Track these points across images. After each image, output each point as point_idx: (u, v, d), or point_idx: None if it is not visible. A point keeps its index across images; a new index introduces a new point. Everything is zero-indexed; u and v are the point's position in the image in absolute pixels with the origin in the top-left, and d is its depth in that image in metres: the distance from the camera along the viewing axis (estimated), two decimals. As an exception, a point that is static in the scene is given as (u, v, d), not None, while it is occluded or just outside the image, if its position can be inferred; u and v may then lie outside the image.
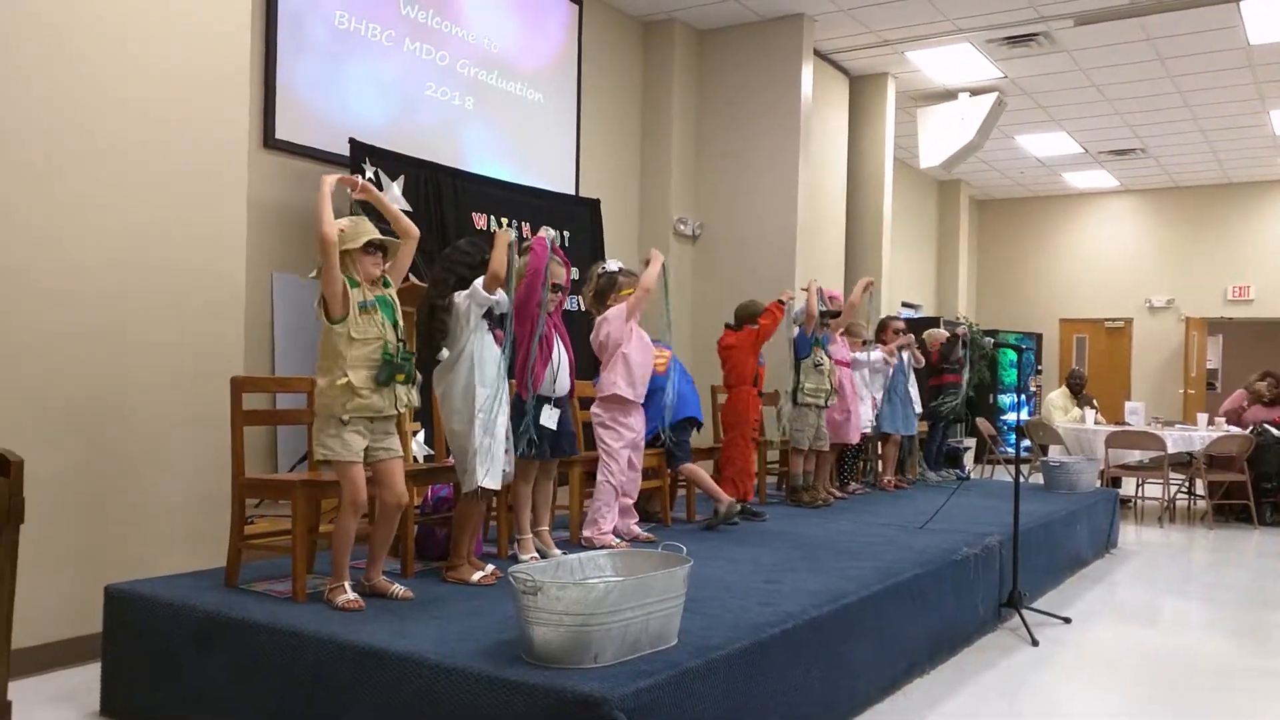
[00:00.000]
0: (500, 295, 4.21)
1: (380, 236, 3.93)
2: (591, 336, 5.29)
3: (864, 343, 7.80)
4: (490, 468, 4.21)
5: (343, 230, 3.83)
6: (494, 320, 4.28)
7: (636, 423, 5.30)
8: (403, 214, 4.13)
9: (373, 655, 3.21)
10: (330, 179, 3.90)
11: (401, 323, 3.95)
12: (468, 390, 4.18)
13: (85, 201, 4.56)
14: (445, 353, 4.21)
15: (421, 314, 4.21)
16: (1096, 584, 6.86)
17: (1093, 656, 5.04)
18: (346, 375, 3.74)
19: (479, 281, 4.17)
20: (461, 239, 4.40)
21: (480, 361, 4.21)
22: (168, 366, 4.83)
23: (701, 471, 6.02)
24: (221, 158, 5.08)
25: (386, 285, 3.96)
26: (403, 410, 3.90)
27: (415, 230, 4.11)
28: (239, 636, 3.55)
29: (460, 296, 4.16)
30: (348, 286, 3.79)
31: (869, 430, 7.78)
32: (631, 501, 5.40)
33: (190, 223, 4.94)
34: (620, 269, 5.34)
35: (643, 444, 5.36)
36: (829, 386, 6.93)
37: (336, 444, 3.76)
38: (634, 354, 5.21)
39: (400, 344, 3.89)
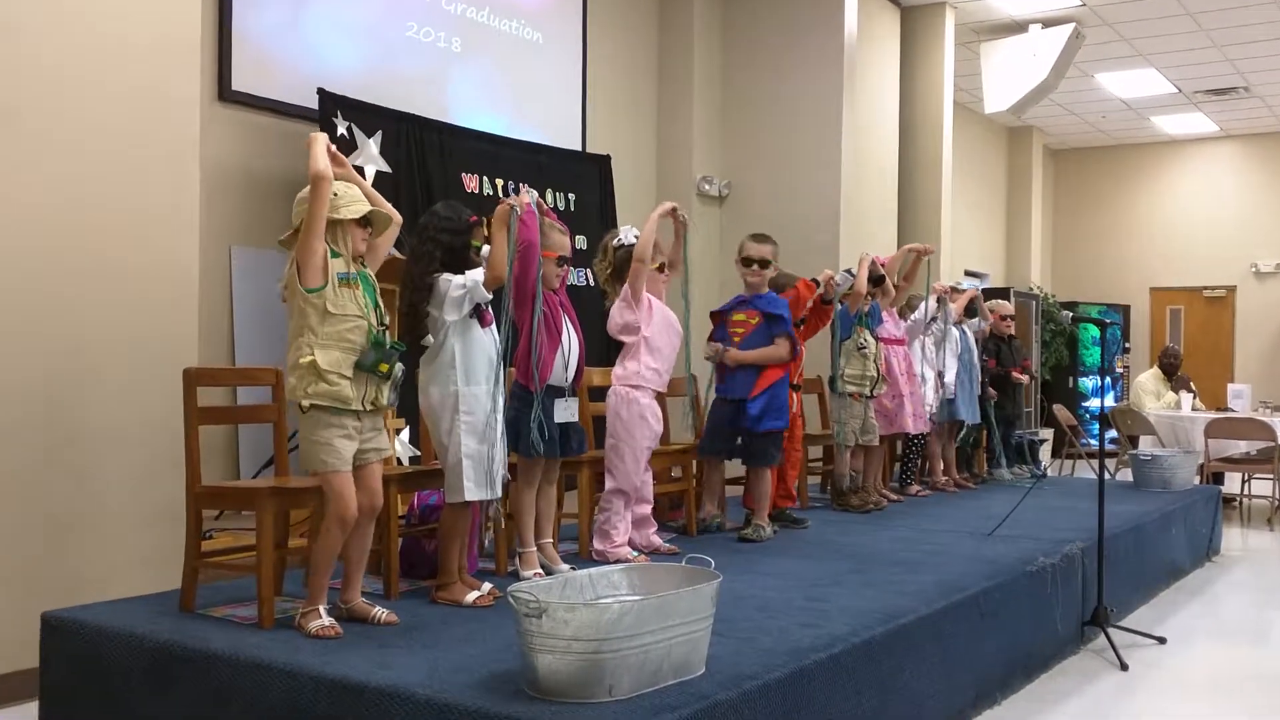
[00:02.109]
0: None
1: (375, 208, 3.93)
2: (609, 324, 5.27)
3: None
4: (483, 477, 4.21)
5: (336, 194, 3.82)
6: (480, 305, 4.27)
7: (660, 417, 5.29)
8: (383, 198, 4.11)
9: (351, 690, 3.20)
10: (324, 135, 3.90)
11: (383, 305, 3.94)
12: (448, 391, 4.17)
13: (6, 170, 4.55)
14: (430, 339, 4.20)
15: (401, 292, 4.20)
16: (1195, 597, 6.82)
17: (1191, 681, 5.01)
18: (313, 353, 3.73)
19: (479, 277, 4.15)
20: (438, 203, 4.39)
21: (465, 355, 4.19)
22: (109, 359, 4.83)
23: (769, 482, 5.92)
24: (169, 114, 5.06)
25: (362, 264, 3.95)
26: (369, 408, 3.87)
27: (398, 215, 4.10)
28: (197, 669, 3.55)
29: (451, 285, 4.13)
30: (328, 255, 3.78)
31: (933, 414, 7.70)
32: (649, 509, 5.39)
33: (134, 190, 4.94)
34: (639, 237, 5.30)
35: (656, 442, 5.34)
36: (875, 373, 6.86)
37: (327, 454, 3.76)
38: (656, 336, 5.18)
39: (383, 329, 3.88)
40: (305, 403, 3.74)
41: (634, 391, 5.17)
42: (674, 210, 5.29)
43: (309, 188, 3.78)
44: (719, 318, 5.89)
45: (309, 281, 3.74)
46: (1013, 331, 9.07)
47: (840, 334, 6.77)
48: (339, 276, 3.79)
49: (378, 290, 3.95)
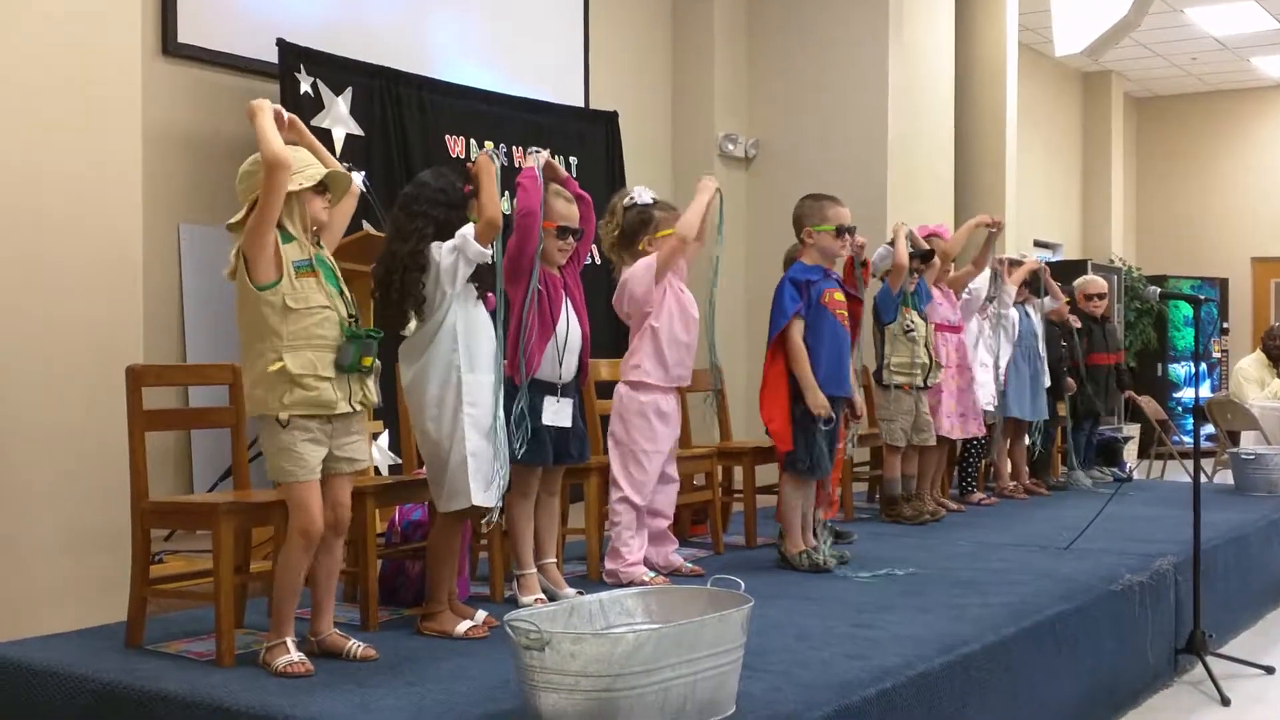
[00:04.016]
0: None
1: (332, 170, 3.91)
2: (615, 298, 5.26)
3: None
4: (491, 481, 4.23)
5: None
6: (485, 281, 4.28)
7: (676, 415, 5.28)
8: (339, 163, 4.10)
9: (325, 736, 3.21)
10: (267, 101, 3.89)
11: (347, 290, 3.94)
12: (449, 378, 4.18)
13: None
14: (413, 325, 4.21)
15: (383, 274, 4.19)
16: (1309, 619, 6.81)
17: (1305, 718, 5.00)
18: (282, 358, 3.74)
19: (469, 230, 4.16)
20: (425, 171, 4.39)
21: (467, 338, 4.21)
22: (39, 356, 4.84)
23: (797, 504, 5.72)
24: (104, 71, 5.07)
25: (319, 245, 3.95)
26: (358, 408, 3.89)
27: (356, 185, 4.11)
28: (147, 714, 3.56)
29: (443, 251, 4.14)
30: (278, 241, 3.78)
31: (990, 410, 7.69)
32: (668, 523, 5.40)
33: (64, 161, 4.95)
34: (655, 200, 5.28)
35: (675, 445, 5.33)
36: (926, 359, 6.85)
37: (289, 460, 3.76)
38: (667, 327, 5.17)
39: (354, 318, 3.88)
40: (284, 415, 3.73)
41: (641, 387, 5.16)
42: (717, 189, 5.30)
43: (257, 164, 3.75)
44: (804, 289, 5.55)
45: (260, 277, 3.74)
46: (1103, 312, 9.04)
47: (884, 316, 6.76)
48: (295, 265, 3.78)
49: (337, 271, 3.94)
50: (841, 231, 5.56)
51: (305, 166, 3.85)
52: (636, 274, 5.15)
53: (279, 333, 3.75)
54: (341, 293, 3.90)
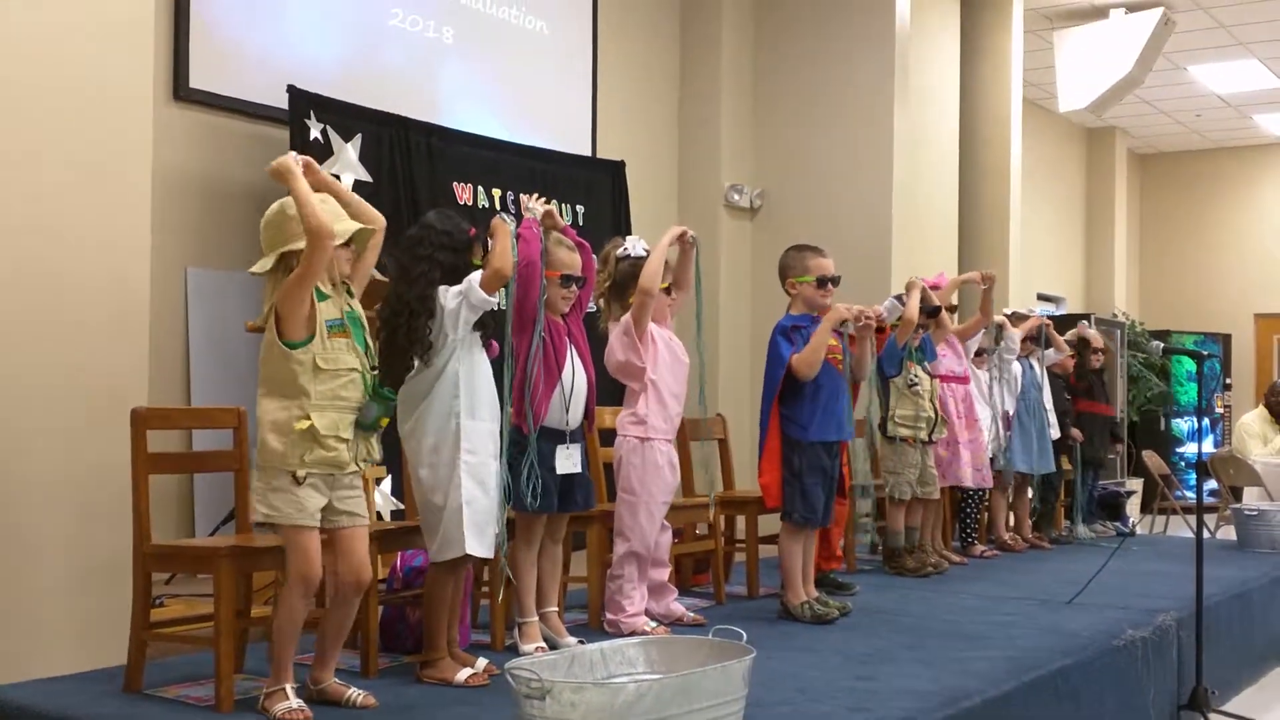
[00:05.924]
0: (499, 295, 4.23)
1: (361, 226, 3.92)
2: (606, 358, 5.24)
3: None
4: (482, 529, 4.22)
5: None
6: (488, 329, 4.29)
7: (675, 461, 5.27)
8: (360, 199, 4.11)
9: (323, 784, 3.20)
10: (294, 159, 3.88)
11: (373, 346, 3.95)
12: (449, 425, 4.19)
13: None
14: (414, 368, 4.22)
15: (389, 317, 4.19)
16: (1312, 677, 6.77)
17: (1309, 777, 4.97)
18: (309, 418, 3.74)
19: (475, 277, 4.18)
20: (429, 212, 4.40)
21: (468, 385, 4.22)
22: (43, 397, 4.83)
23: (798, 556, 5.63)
24: (116, 115, 5.09)
25: (349, 294, 3.96)
26: (363, 465, 3.88)
27: (380, 217, 4.11)
28: (144, 759, 3.56)
29: (448, 295, 4.16)
30: (314, 300, 3.79)
31: (994, 461, 7.69)
32: (667, 573, 5.38)
33: (74, 204, 4.96)
34: (648, 252, 5.29)
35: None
36: (931, 413, 6.87)
37: (286, 503, 3.74)
38: (664, 377, 5.18)
39: (375, 376, 3.89)
40: (301, 473, 3.73)
41: (650, 440, 5.15)
42: (684, 234, 5.27)
43: (280, 214, 3.78)
44: (793, 336, 5.55)
45: (292, 335, 3.74)
46: (1101, 365, 9.05)
47: (888, 370, 6.76)
48: (329, 324, 3.79)
49: (366, 328, 3.95)
50: (823, 282, 5.57)
51: (334, 220, 3.83)
52: (615, 340, 5.16)
53: (307, 392, 3.75)
54: (367, 349, 3.90)
